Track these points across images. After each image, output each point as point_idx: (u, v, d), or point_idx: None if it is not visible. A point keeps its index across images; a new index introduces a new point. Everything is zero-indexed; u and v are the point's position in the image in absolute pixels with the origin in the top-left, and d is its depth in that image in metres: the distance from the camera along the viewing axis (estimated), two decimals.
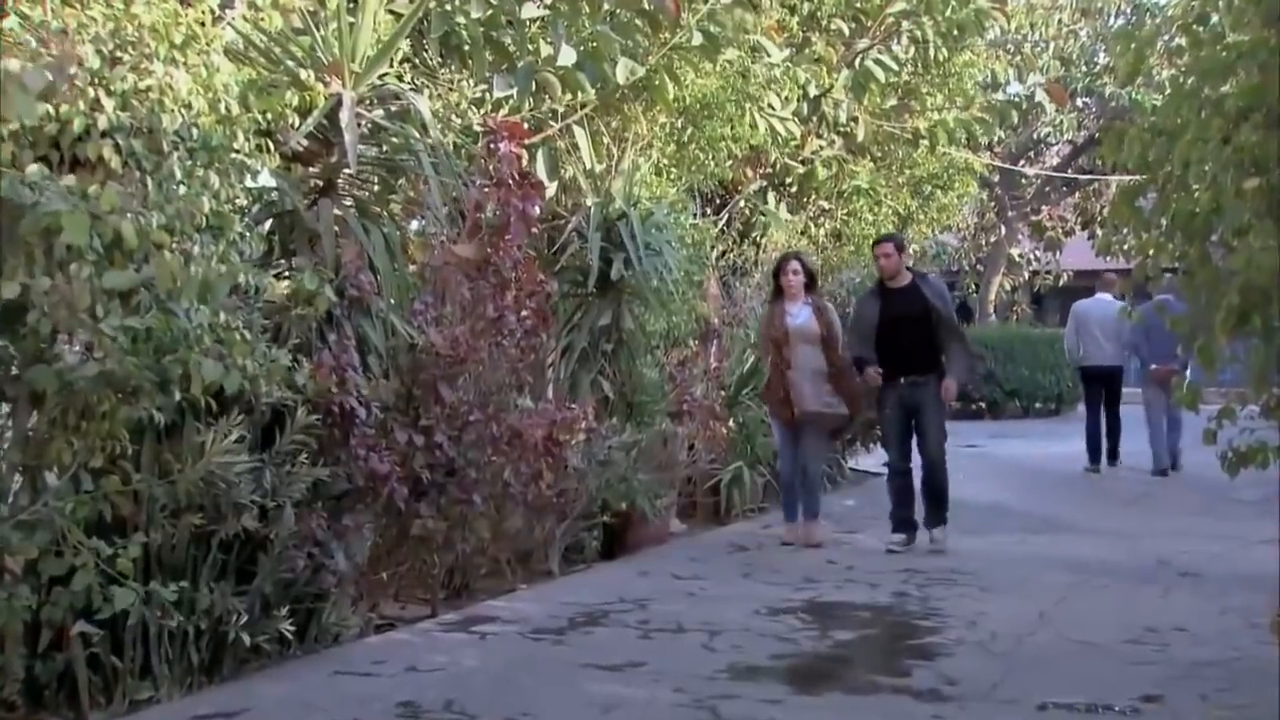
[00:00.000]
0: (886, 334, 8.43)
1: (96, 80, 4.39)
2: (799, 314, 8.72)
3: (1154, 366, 12.78)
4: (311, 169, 6.06)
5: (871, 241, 9.47)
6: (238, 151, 4.90)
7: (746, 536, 8.89)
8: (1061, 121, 21.57)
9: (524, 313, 6.88)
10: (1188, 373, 10.96)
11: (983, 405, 21.81)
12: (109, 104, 4.38)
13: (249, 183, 5.08)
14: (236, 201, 4.92)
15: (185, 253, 4.51)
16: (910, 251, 9.06)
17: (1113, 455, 13.54)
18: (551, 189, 8.36)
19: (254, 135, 5.03)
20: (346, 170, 6.02)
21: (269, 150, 5.19)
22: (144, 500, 4.70)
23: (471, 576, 7.00)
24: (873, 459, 11.85)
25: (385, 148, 6.36)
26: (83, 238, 4.01)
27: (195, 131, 4.68)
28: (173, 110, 4.58)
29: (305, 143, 5.88)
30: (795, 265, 8.85)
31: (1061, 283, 28.53)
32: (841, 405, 8.70)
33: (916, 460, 8.60)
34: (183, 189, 4.57)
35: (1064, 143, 25.81)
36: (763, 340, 9.18)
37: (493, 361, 6.58)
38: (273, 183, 5.67)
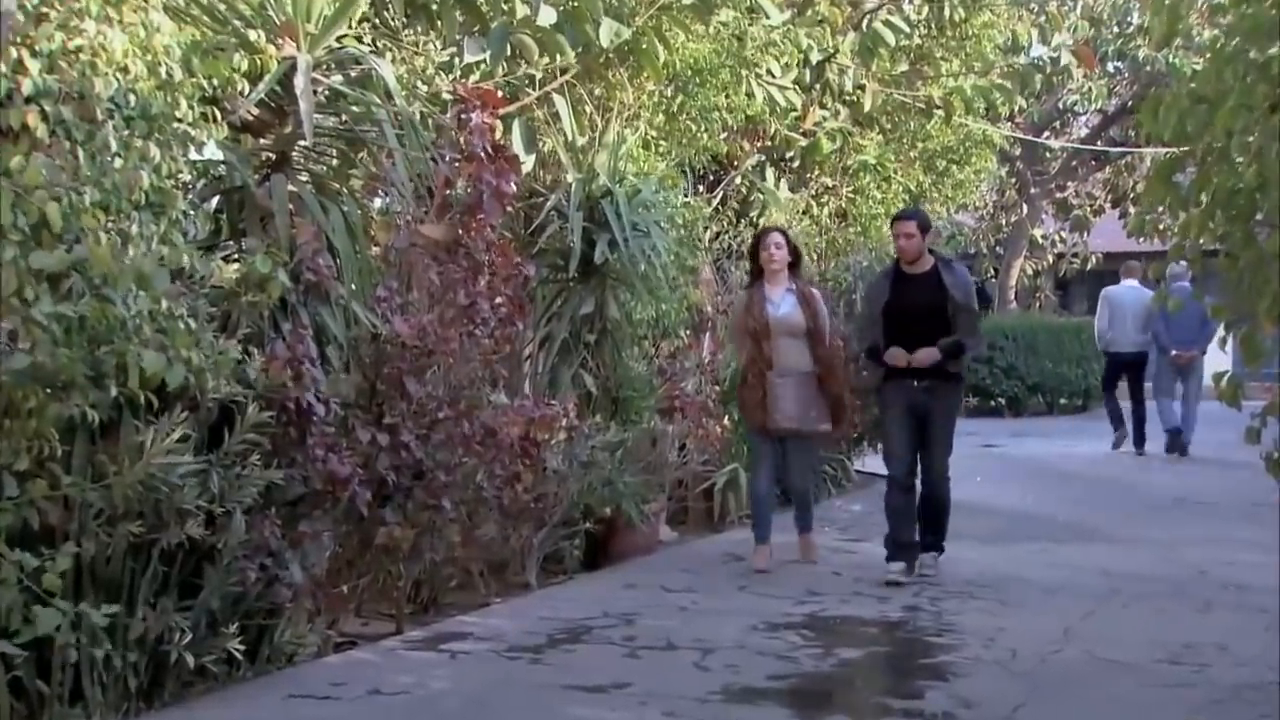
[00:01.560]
0: (895, 326, 7.81)
1: (19, 39, 4.33)
2: (782, 302, 8.18)
3: (1175, 353, 14.24)
4: (263, 140, 6.04)
5: (890, 217, 8.85)
6: (180, 120, 4.86)
7: (743, 545, 8.85)
8: (1090, 88, 21.48)
9: (498, 300, 6.88)
10: (1205, 356, 14.09)
11: (1002, 402, 21.80)
12: (34, 66, 4.33)
13: (193, 155, 5.05)
14: (179, 176, 4.89)
15: (122, 233, 4.48)
16: (936, 231, 8.63)
17: (1139, 442, 14.92)
18: (528, 163, 8.33)
19: (198, 103, 5.00)
20: (302, 142, 6.00)
21: (215, 120, 5.15)
22: (75, 507, 4.65)
23: (441, 589, 6.99)
24: (880, 460, 11.83)
25: (344, 117, 6.34)
26: (3, 215, 3.96)
27: (132, 98, 4.64)
28: (107, 74, 4.53)
29: (256, 111, 5.86)
30: (778, 238, 8.33)
31: (1089, 266, 28.49)
32: (826, 417, 8.19)
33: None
34: (119, 162, 4.53)
35: (1093, 112, 25.75)
36: (734, 333, 8.64)
37: (464, 353, 6.56)
38: (220, 156, 5.65)
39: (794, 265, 8.35)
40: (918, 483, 7.98)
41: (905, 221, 8.02)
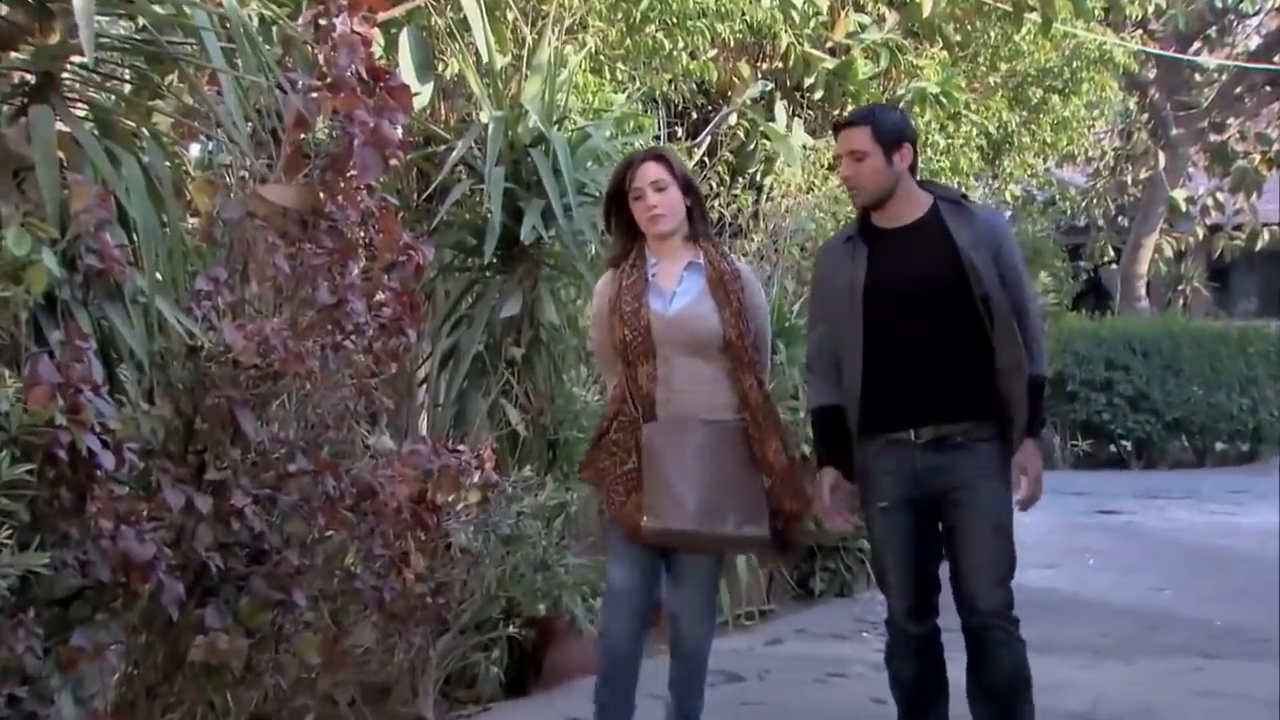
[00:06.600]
0: (876, 330, 6.12)
1: None
2: (679, 288, 6.47)
3: None
4: (16, 55, 6.00)
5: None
6: None
7: (742, 657, 8.88)
8: None
9: (379, 296, 6.85)
10: None
11: (1128, 446, 21.86)
12: None
13: None
14: None
15: None
16: (913, 151, 6.69)
17: None
18: (424, 95, 8.32)
19: None
20: (78, 58, 5.96)
21: None
22: None
23: None
24: None
25: (143, 22, 6.30)
26: None
27: None
28: None
29: (4, 11, 5.81)
30: (656, 171, 6.44)
31: (1260, 244, 28.53)
32: (761, 514, 6.30)
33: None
34: None
35: (1270, 13, 25.83)
36: (597, 347, 6.93)
37: (328, 376, 6.54)
38: None
39: (694, 218, 6.58)
40: (939, 628, 6.33)
41: (849, 130, 6.42)
